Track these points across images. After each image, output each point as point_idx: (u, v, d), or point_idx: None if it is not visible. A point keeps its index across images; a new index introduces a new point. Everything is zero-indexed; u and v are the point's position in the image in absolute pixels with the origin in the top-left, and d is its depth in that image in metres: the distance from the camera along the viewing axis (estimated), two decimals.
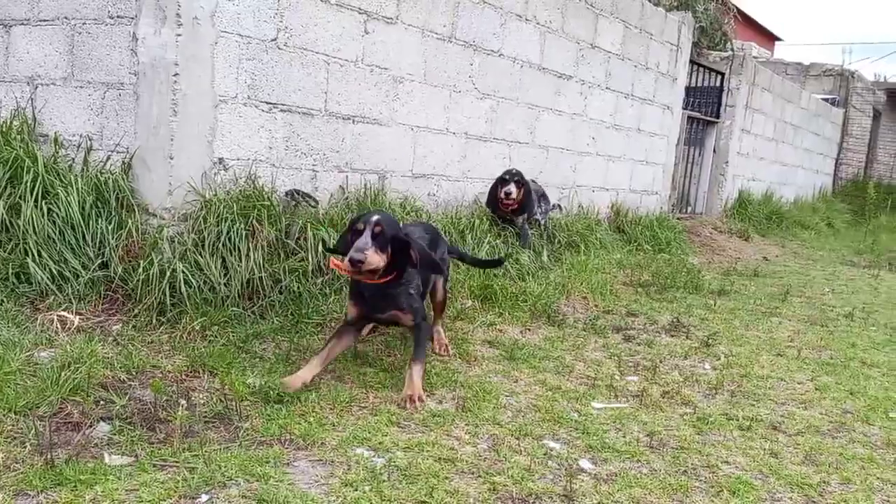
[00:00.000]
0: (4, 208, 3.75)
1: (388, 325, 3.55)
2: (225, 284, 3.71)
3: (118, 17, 4.00)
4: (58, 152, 4.10)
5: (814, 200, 15.14)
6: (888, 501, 2.62)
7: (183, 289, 3.57)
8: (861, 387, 3.92)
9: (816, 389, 3.82)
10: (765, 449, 2.96)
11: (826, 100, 16.47)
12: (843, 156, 17.55)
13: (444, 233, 5.15)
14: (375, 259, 3.00)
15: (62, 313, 3.33)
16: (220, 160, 4.06)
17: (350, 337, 3.33)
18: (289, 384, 3.02)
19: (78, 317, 3.37)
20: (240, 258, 3.80)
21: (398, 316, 3.27)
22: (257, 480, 2.29)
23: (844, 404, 3.63)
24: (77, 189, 3.81)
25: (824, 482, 2.71)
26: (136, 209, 3.85)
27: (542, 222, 6.24)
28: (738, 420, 3.25)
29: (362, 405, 2.99)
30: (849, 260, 9.76)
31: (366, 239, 3.00)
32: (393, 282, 3.18)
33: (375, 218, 3.06)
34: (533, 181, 6.18)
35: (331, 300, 4.03)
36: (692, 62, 9.51)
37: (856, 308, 6.08)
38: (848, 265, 9.26)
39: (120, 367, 3.00)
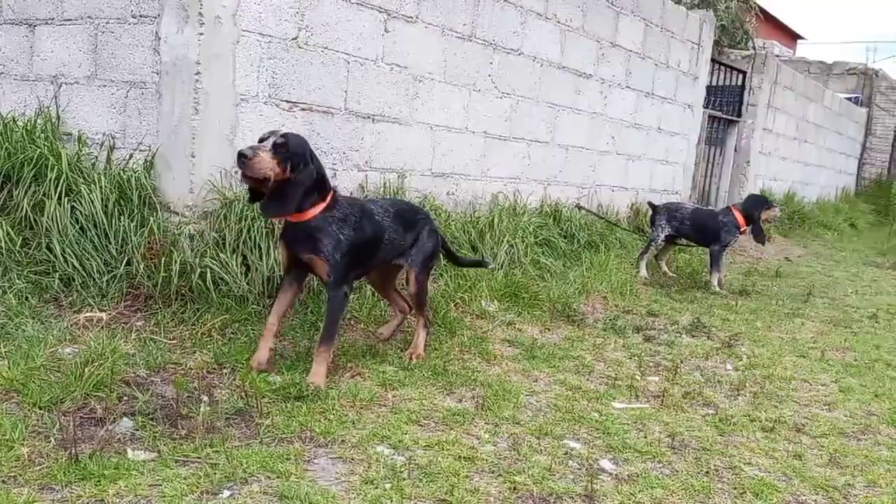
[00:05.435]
0: (29, 206, 3.80)
1: None
2: (246, 282, 3.73)
3: (141, 16, 4.03)
4: (81, 150, 4.14)
5: (836, 201, 14.96)
6: None
7: (204, 286, 3.60)
8: (886, 389, 3.86)
9: (840, 391, 3.77)
10: (788, 451, 2.92)
11: (849, 99, 16.28)
12: (866, 156, 17.34)
13: (463, 232, 5.15)
14: None
15: (91, 314, 3.36)
16: None
17: None
18: None
19: (104, 314, 3.40)
20: (260, 256, 3.82)
21: None
22: (278, 477, 2.30)
23: (869, 406, 3.58)
24: (100, 187, 3.84)
25: (849, 485, 2.67)
26: (158, 207, 3.88)
27: None
28: (760, 421, 3.21)
29: (382, 403, 2.99)
30: (872, 261, 9.63)
31: None
32: None
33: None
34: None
35: (350, 298, 4.02)
36: (713, 61, 9.42)
37: (880, 309, 6.00)
38: (871, 266, 9.14)
39: (142, 364, 3.03)
